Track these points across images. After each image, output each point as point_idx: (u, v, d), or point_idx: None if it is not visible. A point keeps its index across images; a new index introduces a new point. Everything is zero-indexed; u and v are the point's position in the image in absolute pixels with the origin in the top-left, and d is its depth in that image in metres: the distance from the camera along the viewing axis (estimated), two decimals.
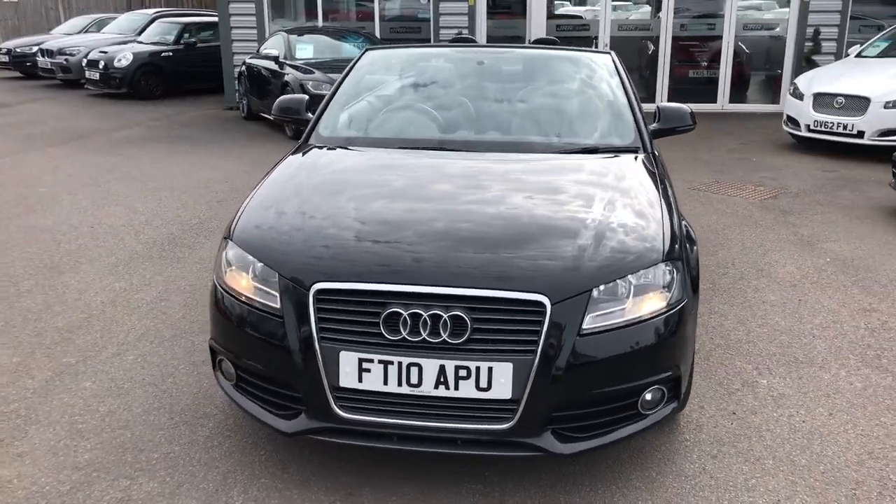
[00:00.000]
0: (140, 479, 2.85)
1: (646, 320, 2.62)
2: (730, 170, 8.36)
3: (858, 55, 10.29)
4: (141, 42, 15.50)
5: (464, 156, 3.57)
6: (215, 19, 15.80)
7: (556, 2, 14.26)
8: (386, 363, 2.52)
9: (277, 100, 4.18)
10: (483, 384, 2.49)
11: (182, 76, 15.08)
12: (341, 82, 4.18)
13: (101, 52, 14.84)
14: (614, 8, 13.60)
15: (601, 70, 4.20)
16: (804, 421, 3.27)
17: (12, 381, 3.58)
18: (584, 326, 2.54)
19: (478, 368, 2.49)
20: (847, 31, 12.32)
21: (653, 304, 2.66)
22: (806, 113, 9.29)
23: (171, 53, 14.97)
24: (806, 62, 12.23)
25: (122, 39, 16.22)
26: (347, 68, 4.32)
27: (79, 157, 8.94)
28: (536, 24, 12.91)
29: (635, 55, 13.31)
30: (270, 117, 11.22)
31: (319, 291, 2.59)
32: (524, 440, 2.56)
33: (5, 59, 18.28)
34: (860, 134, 8.81)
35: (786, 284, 4.87)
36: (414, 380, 2.52)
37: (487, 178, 3.25)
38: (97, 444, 3.07)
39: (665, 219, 2.99)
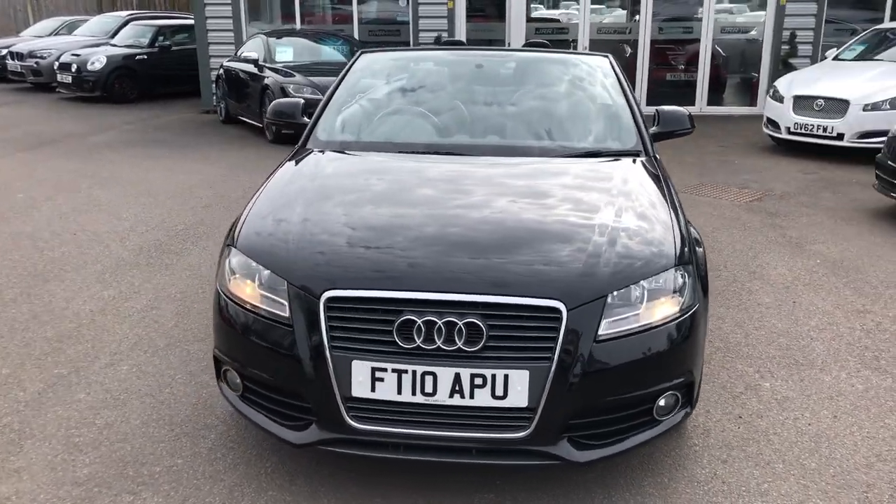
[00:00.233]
0: (143, 494, 2.77)
1: (660, 326, 2.60)
2: (713, 172, 8.41)
3: (836, 58, 10.42)
4: (114, 45, 15.29)
5: (468, 160, 3.53)
6: (190, 22, 15.63)
7: (531, 5, 14.28)
8: (400, 372, 2.48)
9: (272, 104, 4.12)
10: (499, 392, 2.46)
11: (157, 79, 14.88)
12: (338, 85, 4.13)
13: (73, 54, 14.61)
14: (591, 11, 13.68)
15: (599, 73, 4.19)
16: (810, 424, 3.27)
17: (3, 394, 3.48)
18: (600, 333, 2.51)
19: (493, 376, 2.45)
20: (822, 34, 12.47)
21: (666, 309, 2.64)
22: (786, 115, 9.38)
23: (145, 56, 14.77)
24: (782, 65, 12.37)
25: (94, 42, 16.01)
26: (343, 71, 4.26)
27: (55, 162, 8.77)
28: (516, 27, 12.91)
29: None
30: (249, 121, 11.18)
31: (330, 299, 2.54)
32: (540, 448, 2.53)
33: None
34: (840, 136, 8.91)
35: (779, 286, 4.89)
36: (428, 388, 2.47)
37: (495, 184, 3.22)
38: (96, 459, 2.98)
39: (674, 223, 2.97)
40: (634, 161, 3.55)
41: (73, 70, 14.33)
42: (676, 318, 2.65)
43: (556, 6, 16.01)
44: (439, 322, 2.46)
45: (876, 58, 9.99)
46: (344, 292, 2.53)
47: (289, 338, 2.58)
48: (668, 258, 2.74)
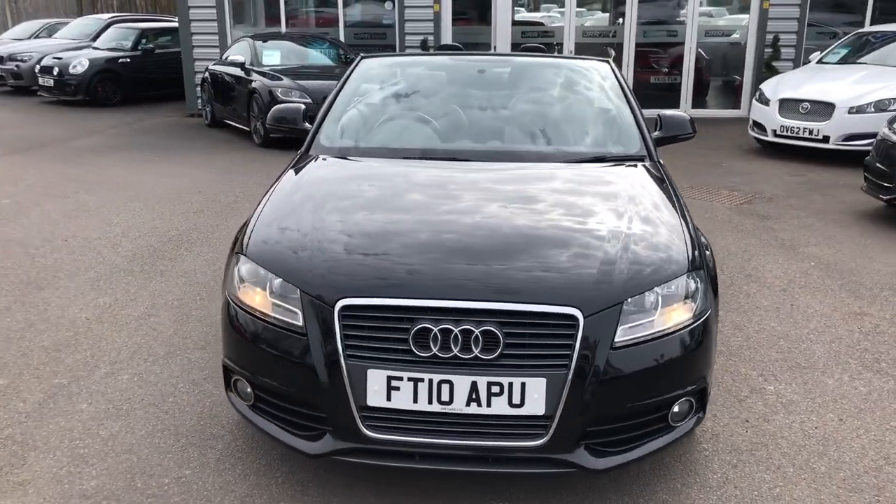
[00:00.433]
0: None
1: (674, 332, 2.61)
2: (702, 175, 8.46)
3: (820, 62, 10.52)
4: (96, 48, 15.14)
5: (475, 166, 3.52)
6: (173, 25, 15.51)
7: (514, 7, 14.30)
8: (416, 380, 2.46)
9: (272, 109, 4.09)
10: (516, 400, 2.45)
11: (140, 83, 14.74)
12: (339, 90, 4.10)
13: (54, 58, 14.45)
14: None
15: (601, 78, 4.19)
16: (816, 427, 3.29)
17: (3, 405, 3.42)
18: (616, 340, 2.51)
19: (510, 384, 2.44)
20: (805, 37, 12.59)
21: (679, 315, 2.65)
22: (772, 118, 9.46)
23: (128, 59, 14.63)
24: (766, 68, 12.47)
25: (76, 45, 15.83)
26: (344, 76, 4.24)
27: (40, 167, 8.67)
28: (502, 30, 12.93)
29: None
30: (236, 124, 11.10)
31: (345, 308, 2.52)
32: (557, 456, 2.52)
33: None
34: (825, 139, 9.00)
35: (775, 289, 4.93)
36: (445, 397, 2.46)
37: (504, 189, 3.21)
38: (103, 471, 2.94)
39: (683, 228, 2.98)
40: (639, 166, 3.56)
41: (55, 73, 14.17)
42: (690, 324, 2.65)
43: (536, 9, 16.06)
44: (456, 330, 2.44)
45: (859, 61, 10.11)
46: (359, 300, 2.52)
47: (303, 347, 2.55)
48: (680, 264, 2.74)
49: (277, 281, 2.69)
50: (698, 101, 13.24)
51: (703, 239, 3.20)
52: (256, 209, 3.18)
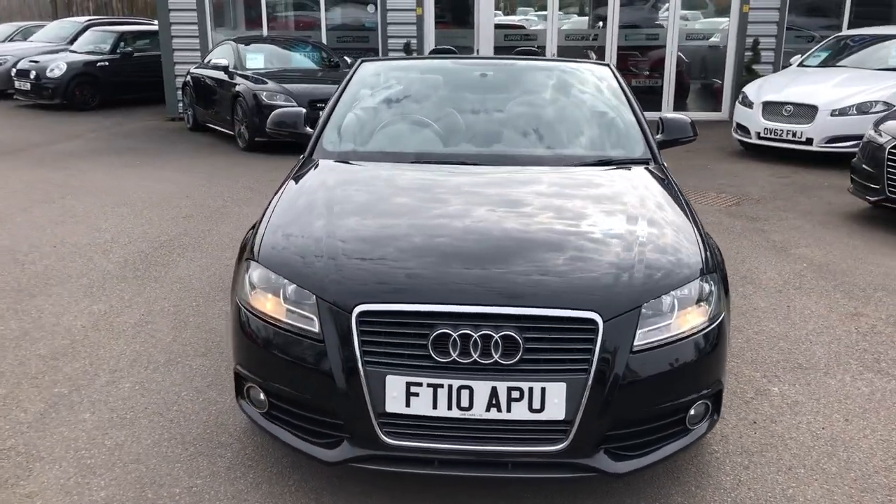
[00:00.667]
0: None
1: (691, 335, 2.62)
2: (689, 177, 8.51)
3: (801, 65, 10.64)
4: (74, 51, 14.95)
5: (484, 170, 3.51)
6: (152, 28, 15.40)
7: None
8: (435, 386, 2.44)
9: (272, 114, 4.05)
10: (536, 405, 2.44)
11: (118, 86, 14.58)
12: (340, 94, 4.08)
13: (31, 61, 14.25)
14: (545, 18, 13.82)
15: (602, 82, 4.21)
16: (823, 428, 3.31)
17: (3, 416, 3.35)
18: (636, 343, 2.51)
19: (531, 389, 2.43)
20: (784, 41, 12.74)
21: (695, 318, 2.65)
22: (756, 121, 9.55)
23: (107, 63, 14.46)
24: (746, 71, 12.59)
25: (52, 48, 15.61)
26: (345, 80, 4.21)
27: (22, 172, 8.53)
28: (484, 34, 12.95)
29: None
30: (219, 128, 11.00)
31: (363, 314, 2.49)
32: (577, 461, 2.51)
33: None
34: (809, 141, 9.10)
35: (771, 290, 4.96)
36: (465, 403, 2.45)
37: (516, 193, 3.20)
38: (111, 481, 2.89)
39: (695, 231, 2.99)
40: (645, 169, 3.57)
41: (32, 77, 13.98)
42: (706, 327, 2.66)
43: (512, 12, 16.12)
44: (475, 335, 2.43)
45: (839, 64, 10.24)
46: (377, 306, 2.50)
47: (320, 353, 2.53)
48: (695, 267, 2.75)
49: (291, 287, 2.66)
50: (679, 104, 13.34)
51: (712, 241, 3.22)
52: (265, 214, 3.15)
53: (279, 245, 2.87)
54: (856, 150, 8.38)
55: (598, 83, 4.20)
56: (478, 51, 13.03)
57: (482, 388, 2.43)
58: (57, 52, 15.08)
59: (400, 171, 3.51)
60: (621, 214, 2.99)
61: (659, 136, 3.99)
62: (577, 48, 13.42)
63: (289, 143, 9.64)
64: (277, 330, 2.64)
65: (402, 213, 3.00)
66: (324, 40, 13.17)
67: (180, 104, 12.62)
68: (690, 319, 2.64)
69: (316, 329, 2.55)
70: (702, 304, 2.69)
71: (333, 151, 3.75)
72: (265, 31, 13.33)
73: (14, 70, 14.49)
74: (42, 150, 9.97)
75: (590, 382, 2.43)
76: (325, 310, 2.55)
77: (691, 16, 14.19)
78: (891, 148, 6.22)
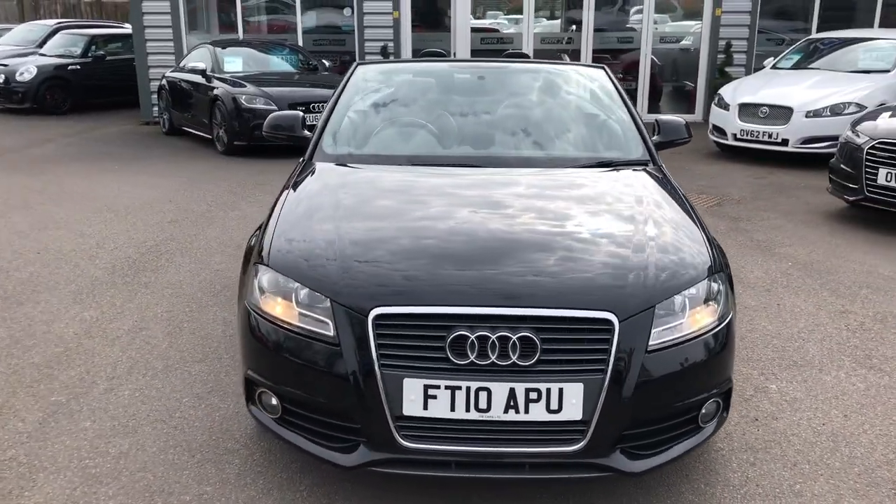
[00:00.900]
0: None
1: (703, 334, 2.65)
2: None
3: (774, 67, 10.81)
4: (44, 54, 14.71)
5: (489, 172, 3.53)
6: (124, 31, 15.22)
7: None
8: (453, 388, 2.44)
9: (269, 117, 4.03)
10: (554, 406, 2.45)
11: (90, 90, 14.37)
12: (338, 97, 4.06)
13: (0, 64, 14.00)
14: (516, 21, 13.93)
15: (598, 84, 4.24)
16: (823, 424, 3.37)
17: (1, 426, 3.29)
18: (650, 343, 2.53)
19: (548, 390, 2.44)
20: (756, 44, 12.93)
21: (705, 317, 2.69)
22: (732, 122, 9.68)
23: (78, 66, 14.25)
24: (719, 74, 12.76)
25: (21, 52, 15.35)
26: (341, 83, 4.20)
27: None
28: (461, 37, 12.98)
29: None
30: (197, 132, 10.88)
31: (379, 317, 2.49)
32: (594, 461, 2.53)
33: None
34: (784, 142, 9.25)
35: (760, 289, 5.04)
36: (483, 405, 2.45)
37: (524, 195, 3.21)
38: (119, 490, 2.85)
39: (701, 231, 3.03)
40: (645, 170, 3.61)
41: (1, 81, 13.74)
42: (716, 326, 2.70)
43: (483, 16, 16.17)
44: (493, 337, 2.44)
45: (811, 66, 10.42)
46: (393, 309, 2.49)
47: (335, 357, 2.52)
48: (704, 266, 2.79)
49: (304, 291, 2.65)
50: (653, 107, 13.48)
51: (716, 241, 3.26)
52: (270, 218, 3.13)
53: (289, 249, 2.85)
54: (830, 150, 8.55)
55: (593, 86, 4.24)
56: (454, 54, 13.05)
57: (500, 390, 2.43)
58: (26, 55, 14.83)
59: (405, 174, 3.51)
60: (630, 216, 3.02)
61: (655, 138, 4.04)
62: (551, 51, 13.50)
63: (269, 146, 9.63)
64: (290, 334, 2.62)
65: (415, 216, 3.00)
66: (300, 44, 13.10)
67: (155, 108, 12.48)
68: (700, 319, 2.68)
69: (331, 333, 2.54)
70: (711, 303, 2.73)
71: (334, 154, 3.73)
72: (241, 35, 13.22)
73: None
74: (15, 156, 9.81)
75: (606, 382, 2.45)
76: (340, 313, 2.54)
77: (660, 19, 14.35)
78: (869, 148, 6.34)
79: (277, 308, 2.70)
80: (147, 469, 2.99)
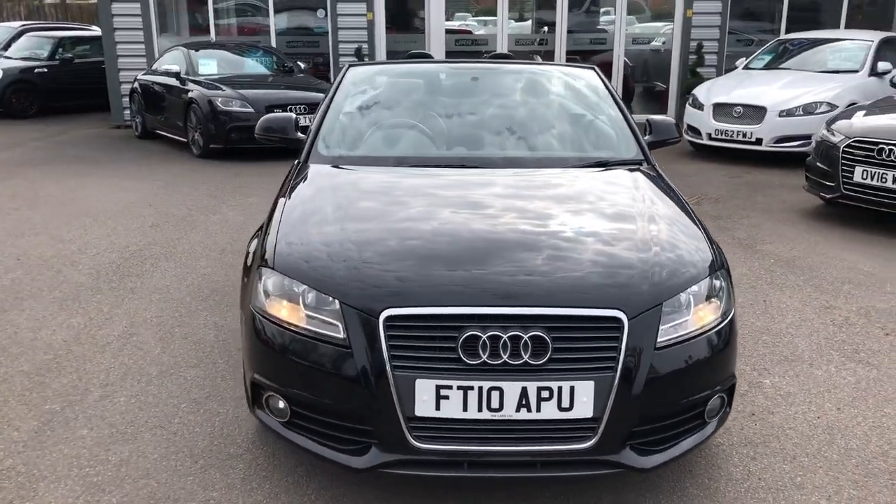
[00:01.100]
0: None
1: (709, 330, 2.68)
2: None
3: (746, 67, 10.97)
4: (9, 57, 14.45)
5: (488, 172, 3.54)
6: (92, 33, 15.01)
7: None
8: (466, 389, 2.45)
9: (261, 120, 4.00)
10: (565, 404, 2.46)
11: (58, 93, 14.18)
12: (331, 99, 4.05)
13: None
14: (485, 23, 13.99)
15: (590, 85, 4.28)
16: (818, 417, 3.43)
17: None
18: (659, 340, 2.56)
19: (560, 388, 2.45)
20: (726, 45, 13.11)
21: (709, 314, 2.72)
22: (706, 122, 9.81)
23: (45, 69, 14.04)
24: (691, 74, 12.91)
25: None
26: (334, 85, 4.18)
27: None
28: (436, 39, 12.98)
29: None
30: (170, 135, 10.76)
31: (390, 318, 2.48)
32: (605, 458, 2.54)
33: None
34: (758, 141, 9.39)
35: (745, 286, 5.11)
36: (495, 404, 2.46)
37: (525, 195, 3.23)
38: (123, 498, 2.81)
39: (700, 229, 3.07)
40: (640, 170, 3.65)
41: None
42: (720, 322, 2.73)
43: (450, 18, 16.19)
44: (504, 336, 2.44)
45: (782, 67, 10.61)
46: (405, 310, 2.49)
47: (346, 359, 2.51)
48: (707, 264, 2.83)
49: (312, 293, 2.63)
50: (626, 107, 13.58)
51: (714, 239, 3.30)
52: (271, 221, 3.11)
53: (293, 251, 2.83)
54: (803, 149, 8.72)
55: (586, 86, 4.27)
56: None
57: (512, 389, 2.44)
58: None
59: (406, 176, 3.50)
60: (631, 215, 3.05)
61: (648, 138, 4.08)
62: (525, 53, 13.56)
63: (245, 149, 9.55)
64: (298, 337, 2.61)
65: (420, 217, 3.00)
66: (273, 45, 13.01)
67: (127, 111, 12.32)
68: (705, 316, 2.71)
69: (341, 335, 2.53)
70: (714, 300, 2.76)
71: (330, 156, 3.72)
72: (213, 37, 13.10)
73: None
74: None
75: (617, 380, 2.47)
76: (350, 315, 2.53)
77: (628, 21, 14.49)
78: (845, 147, 6.47)
79: (283, 311, 2.68)
80: (150, 476, 2.95)
